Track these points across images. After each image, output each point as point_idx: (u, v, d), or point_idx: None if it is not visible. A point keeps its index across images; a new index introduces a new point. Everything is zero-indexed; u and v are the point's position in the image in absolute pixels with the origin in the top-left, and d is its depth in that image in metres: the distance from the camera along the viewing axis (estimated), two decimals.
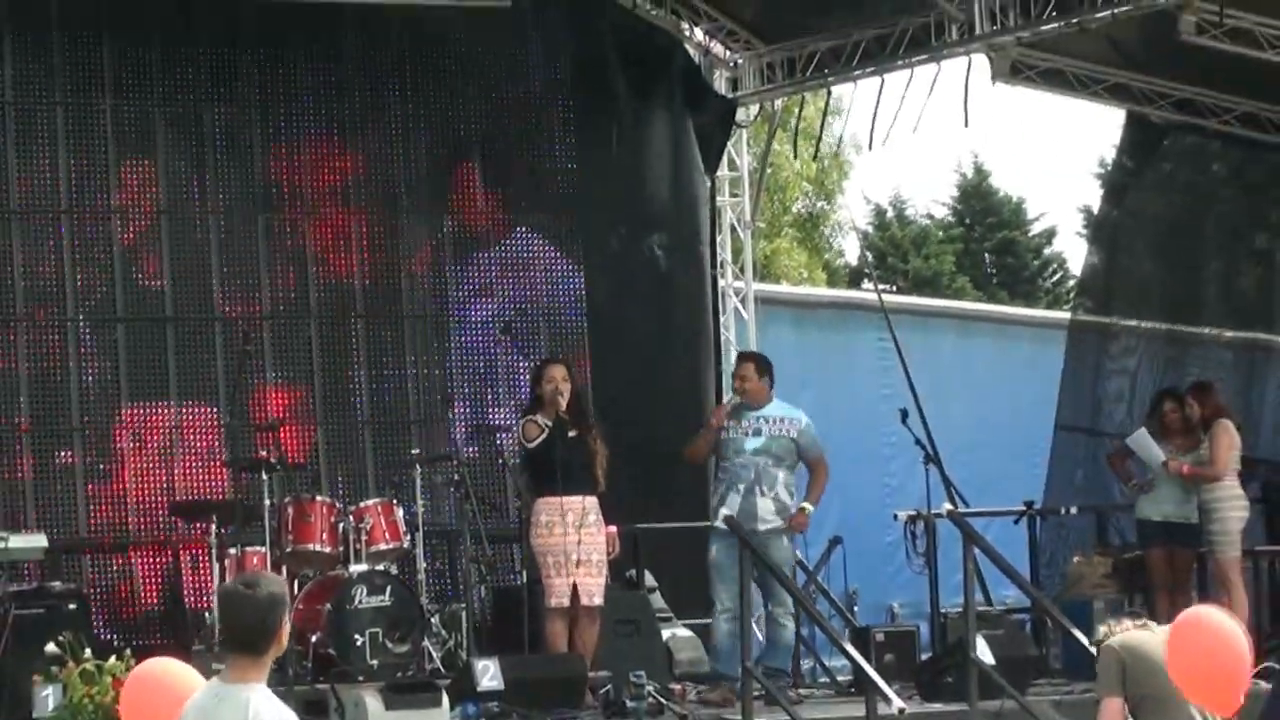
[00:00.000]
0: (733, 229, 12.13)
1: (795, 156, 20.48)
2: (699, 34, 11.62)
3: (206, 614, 8.79)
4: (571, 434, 8.27)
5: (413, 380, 10.63)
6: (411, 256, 10.76)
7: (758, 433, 8.67)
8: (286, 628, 4.08)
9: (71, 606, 8.31)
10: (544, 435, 8.23)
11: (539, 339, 10.90)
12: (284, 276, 10.42)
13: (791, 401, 9.00)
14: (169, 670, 4.31)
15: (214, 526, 8.73)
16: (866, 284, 25.39)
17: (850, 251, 29.29)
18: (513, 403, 10.47)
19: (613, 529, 8.44)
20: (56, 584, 8.65)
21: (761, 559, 8.14)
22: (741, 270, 12.11)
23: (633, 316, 11.21)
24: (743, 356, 9.06)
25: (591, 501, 8.28)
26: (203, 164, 10.29)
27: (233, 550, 8.66)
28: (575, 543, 8.14)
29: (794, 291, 17.08)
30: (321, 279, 10.50)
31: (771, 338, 12.24)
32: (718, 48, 11.65)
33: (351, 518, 8.81)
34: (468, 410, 10.65)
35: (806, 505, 8.63)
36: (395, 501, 8.99)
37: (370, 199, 10.67)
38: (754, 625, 8.81)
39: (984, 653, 8.21)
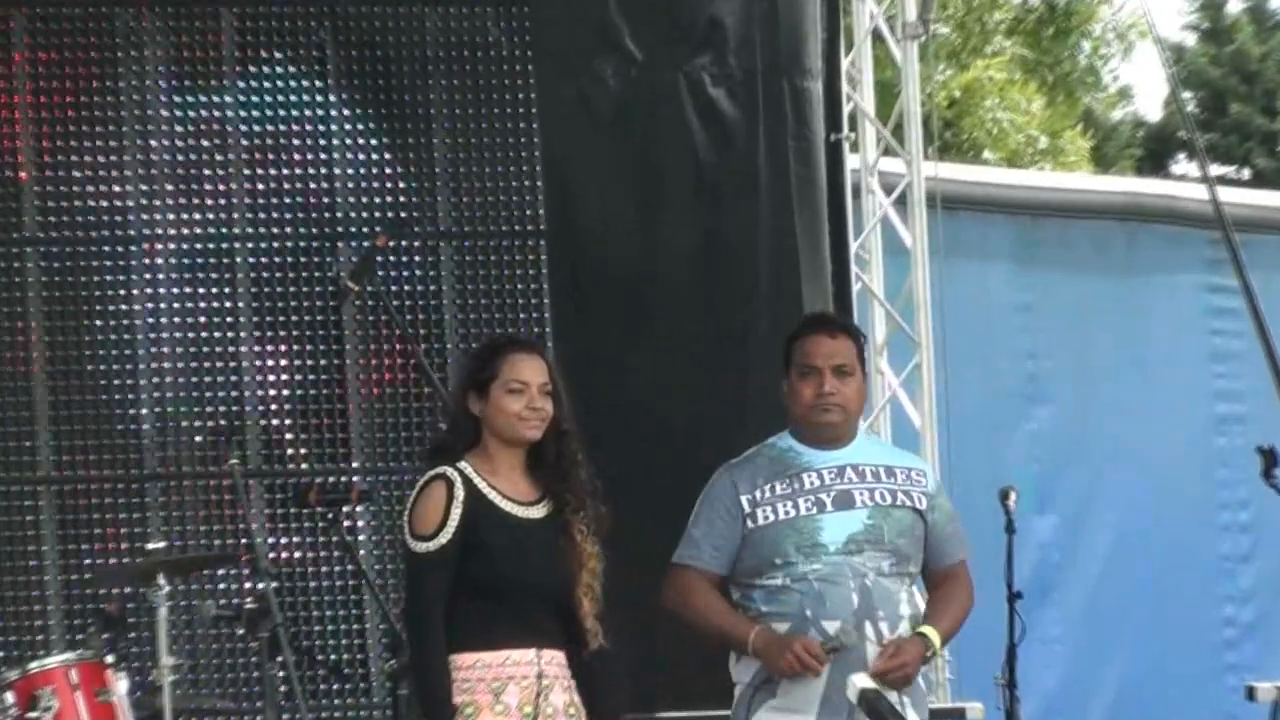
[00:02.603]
0: (876, 41, 12.20)
1: None
2: None
3: None
4: (537, 512, 8.41)
5: (153, 385, 11.05)
6: (158, 128, 11.32)
7: (846, 501, 8.72)
8: None
9: None
10: (449, 535, 8.33)
11: (440, 295, 11.25)
12: None
13: (1016, 416, 8.80)
14: None
15: None
16: (1182, 165, 25.23)
17: (1144, 97, 29.20)
18: (398, 436, 10.93)
19: None
20: None
21: None
22: (900, 136, 12.22)
23: (651, 237, 11.59)
24: (814, 323, 9.01)
25: (556, 662, 8.38)
26: None
27: None
28: None
29: (1016, 182, 17.07)
30: None
31: (965, 281, 12.56)
32: None
33: (11, 695, 9.27)
34: (278, 454, 11.02)
35: (929, 632, 8.64)
36: (110, 661, 9.35)
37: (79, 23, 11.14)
38: None
39: None
